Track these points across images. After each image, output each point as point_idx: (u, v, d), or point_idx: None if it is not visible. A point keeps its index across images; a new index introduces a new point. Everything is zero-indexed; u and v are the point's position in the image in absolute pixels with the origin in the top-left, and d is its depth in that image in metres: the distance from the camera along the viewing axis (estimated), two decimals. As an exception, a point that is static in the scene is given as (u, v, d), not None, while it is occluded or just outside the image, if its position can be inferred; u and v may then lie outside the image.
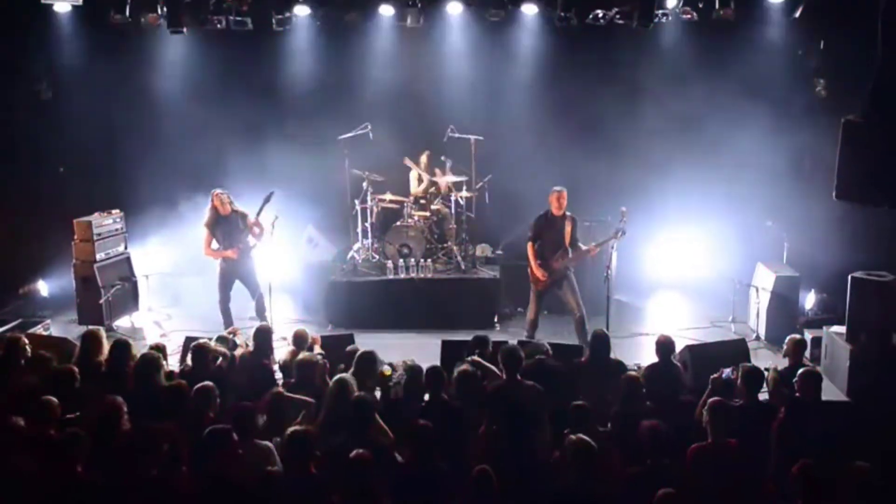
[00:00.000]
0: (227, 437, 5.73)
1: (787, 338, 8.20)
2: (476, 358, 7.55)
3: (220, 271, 10.58)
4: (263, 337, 8.10)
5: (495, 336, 8.52)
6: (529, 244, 9.95)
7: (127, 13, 11.67)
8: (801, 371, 6.96)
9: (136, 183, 12.52)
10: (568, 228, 9.82)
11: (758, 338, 10.78)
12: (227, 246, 10.43)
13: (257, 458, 5.93)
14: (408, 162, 12.48)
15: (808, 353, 8.59)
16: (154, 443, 5.73)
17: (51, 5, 11.19)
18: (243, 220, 10.47)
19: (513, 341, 8.05)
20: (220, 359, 7.77)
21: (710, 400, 6.31)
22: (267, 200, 10.36)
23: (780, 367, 7.73)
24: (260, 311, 10.73)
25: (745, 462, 6.00)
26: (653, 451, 5.87)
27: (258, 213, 10.38)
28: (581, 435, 5.62)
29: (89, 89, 12.67)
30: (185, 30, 11.64)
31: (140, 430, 5.89)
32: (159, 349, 8.00)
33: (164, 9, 11.60)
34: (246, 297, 10.79)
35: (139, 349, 7.84)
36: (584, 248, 9.93)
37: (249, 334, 8.54)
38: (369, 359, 7.31)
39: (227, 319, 10.59)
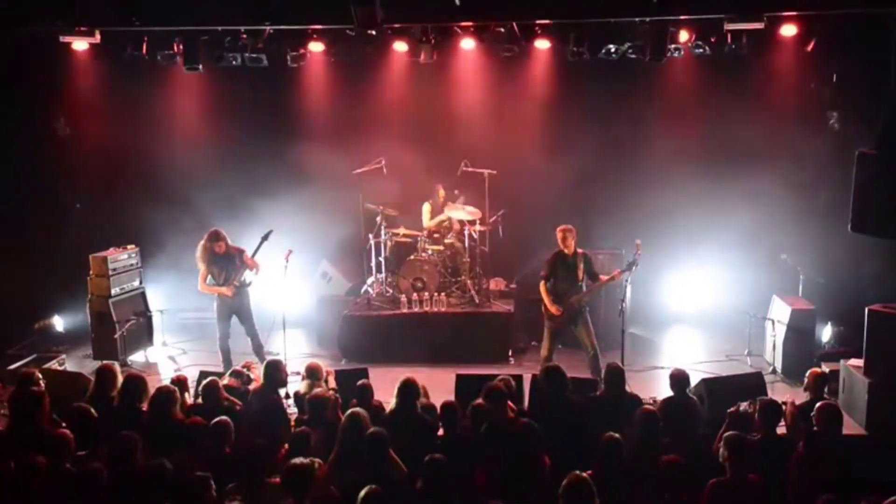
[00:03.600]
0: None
1: (809, 371, 8.13)
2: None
3: (216, 308, 10.58)
4: (274, 371, 8.05)
5: (510, 370, 8.48)
6: (542, 283, 9.91)
7: (144, 50, 11.82)
8: (819, 405, 6.88)
9: (151, 218, 12.57)
10: (581, 266, 9.81)
11: (774, 371, 10.69)
12: (222, 283, 10.41)
13: (271, 496, 5.91)
14: (441, 192, 12.47)
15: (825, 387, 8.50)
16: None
17: (69, 43, 11.32)
18: (239, 257, 10.44)
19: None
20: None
21: (728, 434, 6.25)
22: (265, 239, 10.38)
23: (797, 401, 7.66)
24: (258, 351, 10.62)
25: (764, 497, 5.93)
26: (671, 485, 5.81)
27: (255, 252, 10.39)
28: (580, 472, 5.51)
29: (106, 126, 12.82)
30: (200, 66, 11.75)
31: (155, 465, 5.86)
32: (179, 382, 8.01)
33: (181, 46, 11.72)
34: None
35: (153, 384, 7.84)
36: (601, 278, 9.90)
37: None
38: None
39: (227, 358, 10.51)
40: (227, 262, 10.41)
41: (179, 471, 5.83)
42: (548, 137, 12.84)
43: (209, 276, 10.43)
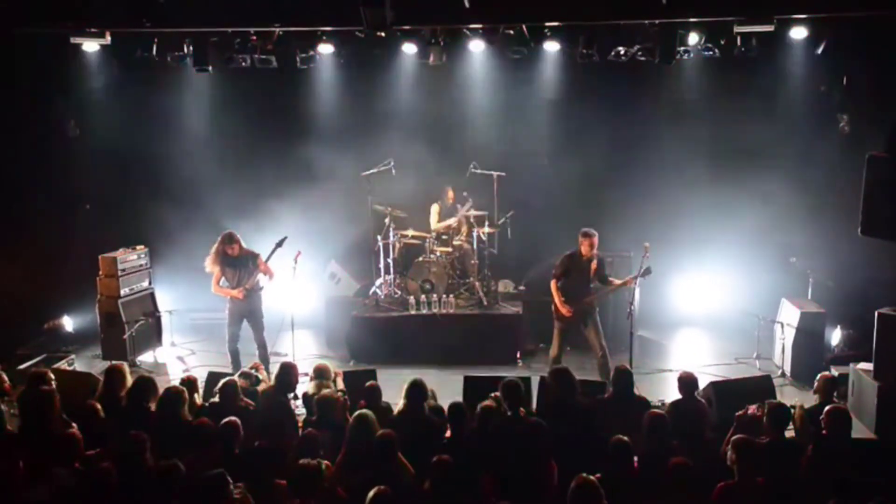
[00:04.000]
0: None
1: (819, 375, 8.09)
2: (498, 393, 7.51)
3: (228, 310, 10.44)
4: (285, 374, 8.05)
5: (518, 372, 8.47)
6: (553, 282, 9.90)
7: (154, 51, 11.85)
8: (828, 408, 6.84)
9: (160, 219, 12.61)
10: (593, 266, 9.81)
11: (783, 374, 10.66)
12: (235, 285, 10.28)
13: (278, 497, 5.93)
14: (451, 193, 12.49)
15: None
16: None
17: (79, 44, 11.34)
18: (253, 260, 10.29)
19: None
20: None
21: (735, 437, 6.23)
22: (279, 245, 10.19)
23: (806, 405, 7.63)
24: (264, 362, 10.27)
25: (771, 501, 5.91)
26: (679, 489, 5.79)
27: (269, 257, 10.21)
28: (588, 475, 5.49)
29: (116, 127, 12.85)
30: (210, 68, 11.77)
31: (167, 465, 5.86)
32: (189, 382, 8.01)
33: (191, 48, 11.76)
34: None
35: (162, 384, 7.85)
36: (613, 281, 9.91)
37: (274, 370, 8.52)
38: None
39: (235, 360, 10.37)
40: (240, 265, 10.27)
41: (189, 471, 5.84)
42: (557, 140, 12.84)
43: (222, 279, 10.42)
